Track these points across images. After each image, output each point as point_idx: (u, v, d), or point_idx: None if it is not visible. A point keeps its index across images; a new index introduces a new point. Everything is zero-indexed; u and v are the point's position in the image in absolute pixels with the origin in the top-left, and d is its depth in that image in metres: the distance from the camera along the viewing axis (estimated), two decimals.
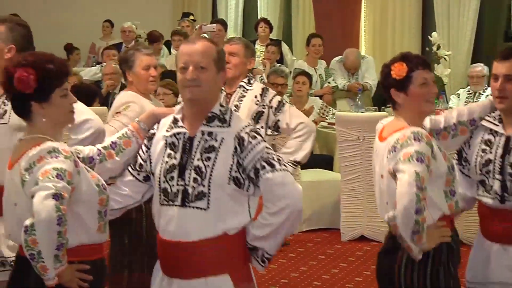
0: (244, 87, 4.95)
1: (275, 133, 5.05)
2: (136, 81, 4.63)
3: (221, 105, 3.19)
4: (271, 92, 5.03)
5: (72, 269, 3.00)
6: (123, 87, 8.66)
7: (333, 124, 7.23)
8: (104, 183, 3.16)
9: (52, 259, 2.87)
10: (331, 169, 8.08)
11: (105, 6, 12.78)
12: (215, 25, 9.24)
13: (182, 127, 3.18)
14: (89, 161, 3.21)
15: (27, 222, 2.84)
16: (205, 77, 3.11)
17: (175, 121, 3.22)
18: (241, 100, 4.93)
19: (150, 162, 3.24)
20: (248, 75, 5.02)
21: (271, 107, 4.93)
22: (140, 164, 3.28)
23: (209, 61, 3.12)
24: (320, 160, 8.12)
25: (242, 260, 3.21)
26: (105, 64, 9.41)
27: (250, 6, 13.03)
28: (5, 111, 3.85)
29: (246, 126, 3.15)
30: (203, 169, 3.09)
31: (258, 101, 4.92)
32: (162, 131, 3.24)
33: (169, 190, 3.14)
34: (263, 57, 9.75)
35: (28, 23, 10.60)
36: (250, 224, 3.16)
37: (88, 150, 3.26)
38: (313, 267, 6.54)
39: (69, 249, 2.95)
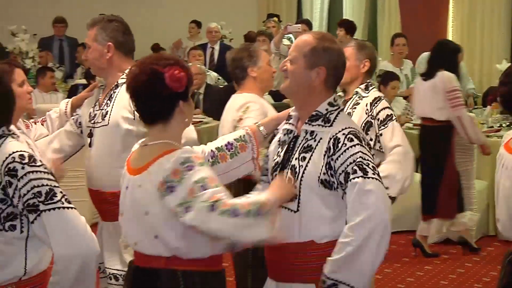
0: (360, 94, 4.50)
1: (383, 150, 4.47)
2: (261, 77, 4.46)
3: (331, 104, 3.02)
4: (383, 103, 4.48)
5: None
6: (208, 87, 8.79)
7: (419, 125, 7.12)
8: None
9: None
10: (416, 171, 7.95)
11: (191, 7, 12.92)
12: (300, 25, 9.21)
13: (293, 124, 3.10)
14: None
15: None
16: (292, 70, 3.02)
17: (288, 118, 3.15)
18: (355, 108, 4.48)
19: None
20: (368, 81, 4.56)
21: (378, 119, 4.44)
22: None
23: (299, 55, 3.01)
24: None
25: None
26: (191, 64, 9.53)
27: (335, 6, 12.97)
28: (106, 113, 3.85)
29: (347, 128, 2.94)
30: (297, 169, 2.96)
31: (367, 110, 4.45)
32: (281, 129, 3.19)
33: None
34: None
35: None
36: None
37: (201, 152, 3.10)
38: (397, 270, 6.47)
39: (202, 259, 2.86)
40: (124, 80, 3.59)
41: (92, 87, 4.11)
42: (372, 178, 2.84)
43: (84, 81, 9.75)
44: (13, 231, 2.72)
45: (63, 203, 2.70)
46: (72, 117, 4.10)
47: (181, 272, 2.82)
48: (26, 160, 2.68)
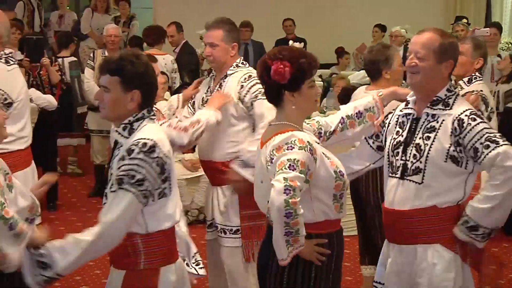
0: (461, 86, 4.89)
1: None
2: (393, 78, 5.05)
3: (449, 90, 3.44)
4: (473, 98, 4.70)
5: (311, 244, 3.30)
6: None
7: None
8: (343, 169, 3.39)
9: (284, 243, 3.20)
10: None
11: (377, 11, 12.86)
12: (488, 29, 8.94)
13: (411, 108, 3.52)
14: (329, 134, 3.61)
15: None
16: (423, 66, 3.39)
17: (407, 103, 3.56)
18: None
19: (384, 135, 3.63)
20: (473, 74, 4.94)
21: None
22: (377, 134, 3.67)
23: (428, 52, 3.38)
24: None
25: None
26: None
27: None
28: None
29: (467, 110, 3.36)
30: (422, 147, 3.39)
31: None
32: (397, 110, 3.61)
33: (394, 163, 3.49)
34: None
35: (302, 27, 11.10)
36: (471, 199, 3.35)
37: (330, 122, 3.61)
38: None
39: (314, 223, 3.31)
40: (231, 72, 4.69)
41: (196, 84, 4.96)
42: (503, 144, 3.25)
43: None
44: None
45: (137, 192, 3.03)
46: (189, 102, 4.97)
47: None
48: (145, 149, 3.04)
